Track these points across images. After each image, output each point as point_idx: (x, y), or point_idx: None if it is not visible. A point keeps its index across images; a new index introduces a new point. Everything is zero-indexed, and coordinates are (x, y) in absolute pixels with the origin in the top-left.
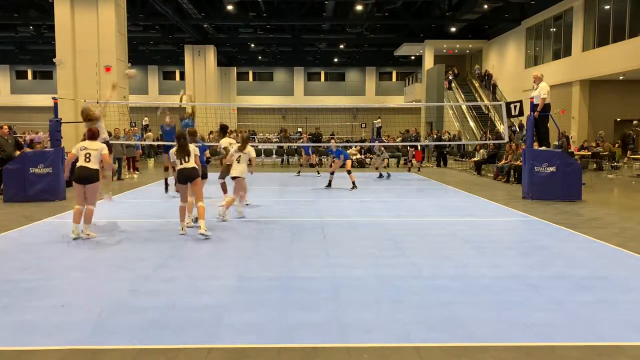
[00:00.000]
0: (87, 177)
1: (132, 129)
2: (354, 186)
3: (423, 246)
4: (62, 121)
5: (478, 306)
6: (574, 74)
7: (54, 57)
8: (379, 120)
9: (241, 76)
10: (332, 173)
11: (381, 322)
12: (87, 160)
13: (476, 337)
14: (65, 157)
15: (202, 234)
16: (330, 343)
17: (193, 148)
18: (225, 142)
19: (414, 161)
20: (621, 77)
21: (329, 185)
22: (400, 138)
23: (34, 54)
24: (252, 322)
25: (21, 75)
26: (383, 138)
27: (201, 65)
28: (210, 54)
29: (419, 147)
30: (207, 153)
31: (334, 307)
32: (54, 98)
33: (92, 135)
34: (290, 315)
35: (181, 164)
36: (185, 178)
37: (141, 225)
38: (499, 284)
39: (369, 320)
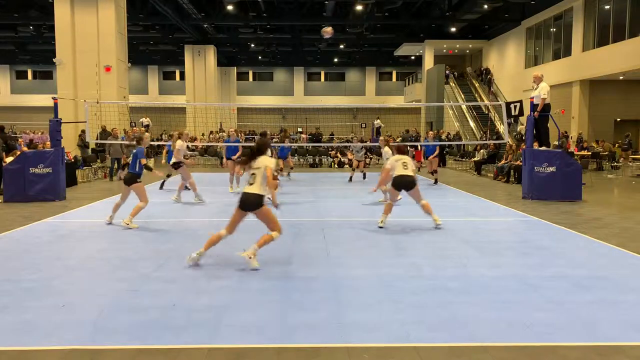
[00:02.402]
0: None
1: (133, 129)
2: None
3: (423, 246)
4: (62, 121)
5: (478, 306)
6: (574, 74)
7: (54, 57)
8: (378, 120)
9: (241, 76)
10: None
11: (381, 322)
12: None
13: (476, 337)
14: (66, 157)
15: (253, 268)
16: (330, 343)
17: (265, 162)
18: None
19: (414, 161)
20: (621, 77)
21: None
22: (400, 138)
23: (34, 54)
24: (252, 322)
25: (21, 75)
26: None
27: (201, 65)
28: (210, 54)
29: (419, 147)
30: (144, 160)
31: (334, 307)
32: (54, 98)
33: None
34: (290, 315)
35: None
36: (244, 205)
37: (141, 226)
38: (499, 284)
39: (369, 320)
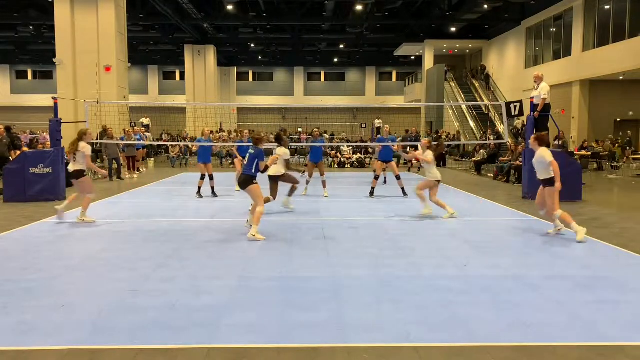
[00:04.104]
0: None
1: (132, 129)
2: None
3: (423, 246)
4: (62, 121)
5: (478, 306)
6: (574, 74)
7: (54, 57)
8: (379, 120)
9: (241, 76)
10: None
11: (381, 322)
12: None
13: (476, 337)
14: (66, 157)
15: None
16: (330, 343)
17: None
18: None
19: (414, 161)
20: (621, 77)
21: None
22: (400, 138)
23: (34, 54)
24: (252, 322)
25: (21, 75)
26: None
27: (201, 65)
28: (210, 54)
29: (419, 147)
30: (263, 163)
31: (334, 307)
32: (54, 98)
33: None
34: (290, 315)
35: None
36: None
37: (141, 225)
38: (499, 284)
39: (369, 320)
